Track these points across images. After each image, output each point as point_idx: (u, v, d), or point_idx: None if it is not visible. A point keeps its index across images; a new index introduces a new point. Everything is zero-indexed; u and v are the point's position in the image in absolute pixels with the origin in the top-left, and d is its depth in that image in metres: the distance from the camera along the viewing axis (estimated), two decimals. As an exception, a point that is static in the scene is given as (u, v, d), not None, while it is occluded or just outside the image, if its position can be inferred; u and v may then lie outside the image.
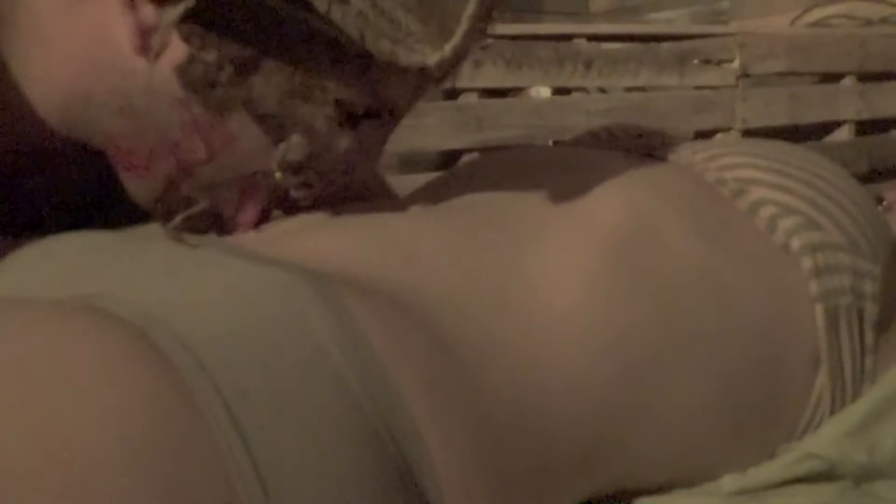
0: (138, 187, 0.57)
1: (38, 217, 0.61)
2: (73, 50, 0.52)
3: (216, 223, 0.58)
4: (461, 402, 0.46)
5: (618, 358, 0.51)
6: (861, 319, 0.57)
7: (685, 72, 1.46)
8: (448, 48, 0.51)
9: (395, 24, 0.50)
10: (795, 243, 0.57)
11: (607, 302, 0.52)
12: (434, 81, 0.55)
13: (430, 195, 0.62)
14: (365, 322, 0.44)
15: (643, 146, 0.65)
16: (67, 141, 0.56)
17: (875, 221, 0.60)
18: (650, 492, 0.55)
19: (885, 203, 0.88)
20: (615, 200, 0.56)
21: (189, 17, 0.50)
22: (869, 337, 0.57)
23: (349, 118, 0.54)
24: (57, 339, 0.39)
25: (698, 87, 1.45)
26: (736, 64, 1.45)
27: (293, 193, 0.56)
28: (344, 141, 0.55)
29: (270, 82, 0.52)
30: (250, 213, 0.57)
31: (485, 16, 0.51)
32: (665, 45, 1.47)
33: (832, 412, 0.57)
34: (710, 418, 0.54)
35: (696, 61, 1.46)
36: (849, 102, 1.59)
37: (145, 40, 0.51)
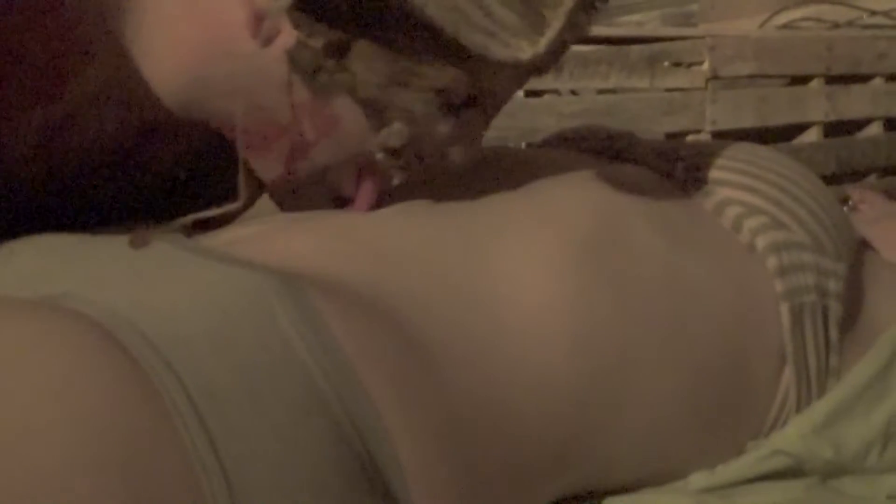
0: (261, 166, 0.59)
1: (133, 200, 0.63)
2: (192, 33, 0.54)
3: (336, 203, 0.59)
4: (430, 401, 0.46)
5: (586, 357, 0.52)
6: (826, 317, 0.57)
7: (655, 74, 1.46)
8: (542, 44, 0.51)
9: (490, 17, 0.50)
10: (760, 242, 0.57)
11: (575, 301, 0.52)
12: (535, 72, 0.56)
13: (400, 196, 0.62)
14: (333, 321, 0.44)
15: (612, 148, 0.66)
16: (182, 122, 0.58)
17: (840, 221, 0.61)
18: (620, 490, 0.55)
19: (850, 203, 0.89)
20: (584, 201, 0.56)
21: (298, 4, 0.51)
22: (833, 334, 0.58)
23: (449, 105, 0.55)
24: (22, 339, 0.39)
25: (668, 90, 1.45)
26: (705, 66, 1.46)
27: (393, 175, 0.58)
28: (444, 127, 0.56)
29: (372, 69, 0.53)
30: (367, 192, 0.59)
31: (583, 11, 0.52)
32: (635, 48, 1.47)
33: (798, 409, 0.57)
34: (679, 416, 0.55)
35: (666, 64, 1.47)
36: (816, 105, 1.60)
37: (259, 26, 0.52)
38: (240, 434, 0.39)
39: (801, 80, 1.60)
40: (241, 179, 0.57)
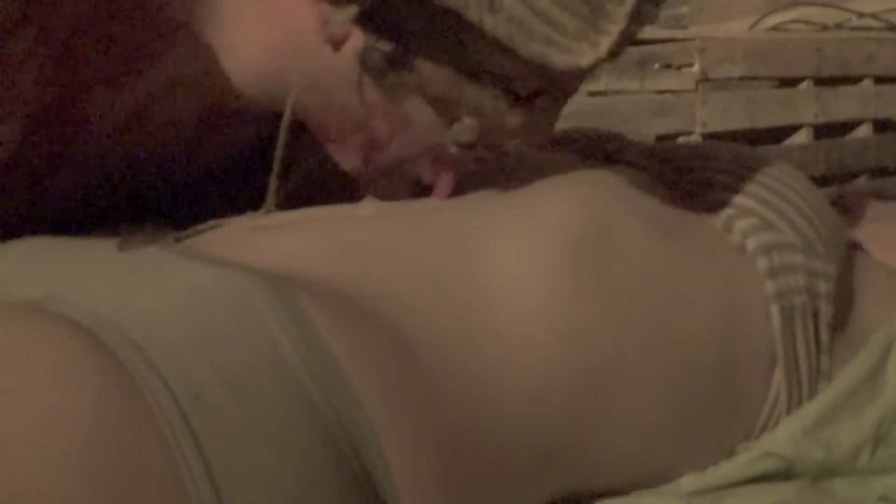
0: (340, 158, 0.60)
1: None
2: (268, 30, 0.56)
3: (416, 191, 0.60)
4: (418, 404, 0.46)
5: (576, 359, 0.51)
6: (816, 319, 0.57)
7: (646, 76, 1.47)
8: (603, 48, 0.51)
9: (550, 24, 0.51)
10: (751, 244, 0.57)
11: (565, 303, 0.52)
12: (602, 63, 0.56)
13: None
14: (321, 324, 0.44)
15: (603, 150, 0.65)
16: (254, 112, 0.60)
17: (830, 223, 0.61)
18: (610, 493, 0.55)
19: (841, 204, 0.89)
20: (574, 203, 0.56)
21: (363, 13, 0.52)
22: (824, 336, 0.57)
23: (518, 97, 0.56)
24: (4, 341, 0.39)
25: (659, 92, 1.45)
26: (696, 68, 1.46)
27: (468, 164, 0.59)
28: (514, 119, 0.56)
29: (440, 69, 0.54)
30: (445, 182, 0.59)
31: (640, 13, 0.52)
32: (626, 50, 1.48)
33: (789, 411, 0.57)
34: (669, 418, 0.54)
35: (656, 66, 1.47)
36: (806, 106, 1.60)
37: (326, 30, 0.54)
38: (226, 437, 0.39)
39: (790, 82, 1.61)
40: (272, 188, 0.58)
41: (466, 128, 0.56)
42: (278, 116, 0.57)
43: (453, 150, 0.57)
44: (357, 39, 0.54)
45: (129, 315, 0.42)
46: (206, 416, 0.39)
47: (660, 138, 1.42)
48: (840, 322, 0.59)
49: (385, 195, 0.61)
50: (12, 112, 0.54)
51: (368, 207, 0.60)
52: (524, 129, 0.57)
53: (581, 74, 0.56)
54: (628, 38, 0.52)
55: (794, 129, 1.60)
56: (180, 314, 0.43)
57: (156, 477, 0.37)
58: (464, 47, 0.53)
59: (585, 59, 0.51)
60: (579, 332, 0.52)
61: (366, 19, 0.53)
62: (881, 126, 1.74)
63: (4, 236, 0.55)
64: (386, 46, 0.53)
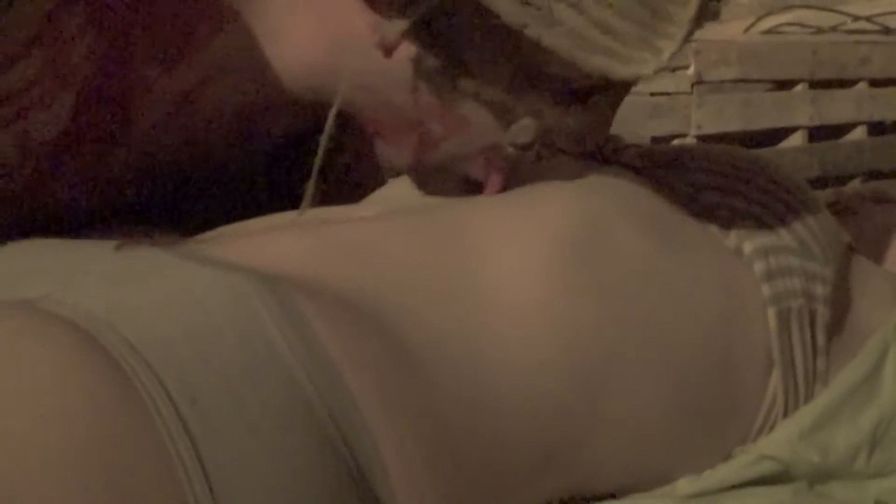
0: (389, 153, 0.60)
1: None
2: (321, 25, 0.55)
3: (465, 188, 0.60)
4: (415, 405, 0.46)
5: (574, 359, 0.51)
6: (813, 322, 0.57)
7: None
8: (667, 54, 0.51)
9: (609, 33, 0.50)
10: (748, 247, 0.57)
11: (562, 304, 0.52)
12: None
13: (385, 198, 0.62)
14: (318, 324, 0.44)
15: (599, 151, 0.65)
16: (299, 106, 0.59)
17: (826, 226, 0.61)
18: (607, 495, 0.55)
19: (837, 206, 0.89)
20: (569, 203, 0.56)
21: (416, 25, 0.52)
22: (821, 339, 0.57)
23: (576, 96, 0.55)
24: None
25: (654, 94, 1.46)
26: (691, 71, 1.46)
27: (523, 163, 0.59)
28: (572, 119, 0.56)
29: (497, 74, 0.53)
30: (497, 180, 0.59)
31: (703, 13, 0.51)
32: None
33: (785, 414, 0.57)
34: (665, 420, 0.54)
35: (651, 68, 1.48)
36: (801, 109, 1.61)
37: (380, 37, 0.53)
38: (223, 438, 0.39)
39: (785, 84, 1.61)
40: (311, 189, 0.57)
41: (524, 129, 0.55)
42: (318, 111, 0.57)
43: (510, 150, 0.57)
44: (410, 47, 0.53)
45: (125, 315, 0.42)
46: (202, 418, 0.39)
47: (655, 140, 1.42)
48: (837, 325, 0.59)
49: (434, 191, 0.60)
50: (64, 88, 0.54)
51: (368, 209, 0.60)
52: (581, 127, 0.57)
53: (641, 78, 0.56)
54: (697, 28, 0.52)
55: (789, 131, 1.61)
56: (177, 314, 0.43)
57: (152, 478, 0.37)
58: (521, 54, 0.52)
59: (648, 66, 0.51)
60: (577, 333, 0.52)
61: (418, 30, 0.52)
62: (876, 129, 1.74)
63: (52, 228, 0.55)
64: (438, 57, 0.53)
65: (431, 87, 0.54)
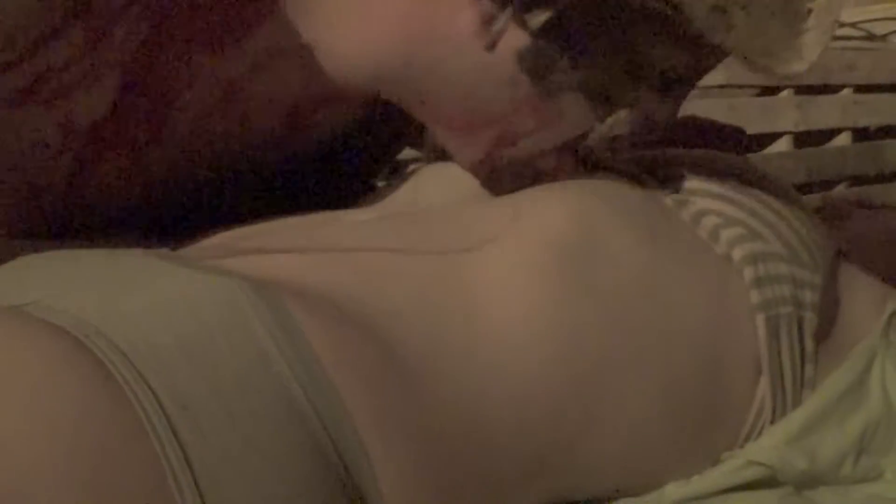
0: (458, 148, 0.59)
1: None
2: (409, 13, 0.53)
3: (535, 177, 0.59)
4: (406, 412, 0.46)
5: (564, 365, 0.51)
6: (801, 328, 0.57)
7: (628, 83, 1.48)
8: (814, 55, 0.53)
9: (766, 34, 0.51)
10: (737, 254, 0.57)
11: (553, 310, 0.52)
12: None
13: (378, 203, 0.62)
14: (310, 331, 0.44)
15: (590, 157, 0.65)
16: (350, 99, 0.58)
17: (815, 231, 0.61)
18: (596, 500, 0.55)
19: (824, 212, 0.89)
20: (562, 210, 0.56)
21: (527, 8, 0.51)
22: (809, 345, 0.58)
23: (667, 86, 0.56)
24: None
25: (641, 99, 1.46)
26: (677, 76, 1.47)
27: (596, 154, 0.59)
28: (663, 109, 0.56)
29: (605, 65, 0.53)
30: (567, 168, 0.59)
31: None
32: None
33: (773, 420, 0.57)
34: (655, 425, 0.55)
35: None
36: (787, 114, 1.61)
37: (486, 28, 0.52)
38: (214, 447, 0.39)
39: (771, 90, 1.62)
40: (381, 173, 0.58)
41: (620, 121, 0.56)
42: (364, 109, 0.56)
43: (593, 142, 0.57)
44: (517, 36, 0.52)
45: (115, 321, 0.41)
46: (193, 426, 0.39)
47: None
48: (825, 331, 0.59)
49: (496, 189, 0.60)
50: (106, 68, 0.53)
51: (361, 213, 0.60)
52: (665, 119, 0.58)
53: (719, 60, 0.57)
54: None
55: (774, 136, 1.61)
56: (168, 320, 0.42)
57: (142, 486, 0.37)
58: (633, 46, 0.53)
59: (798, 66, 0.53)
60: (569, 339, 0.52)
61: (547, 25, 0.52)
62: (860, 134, 1.75)
63: (95, 221, 0.55)
64: (553, 45, 0.52)
65: (535, 79, 0.53)
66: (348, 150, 0.62)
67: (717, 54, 0.56)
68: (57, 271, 0.49)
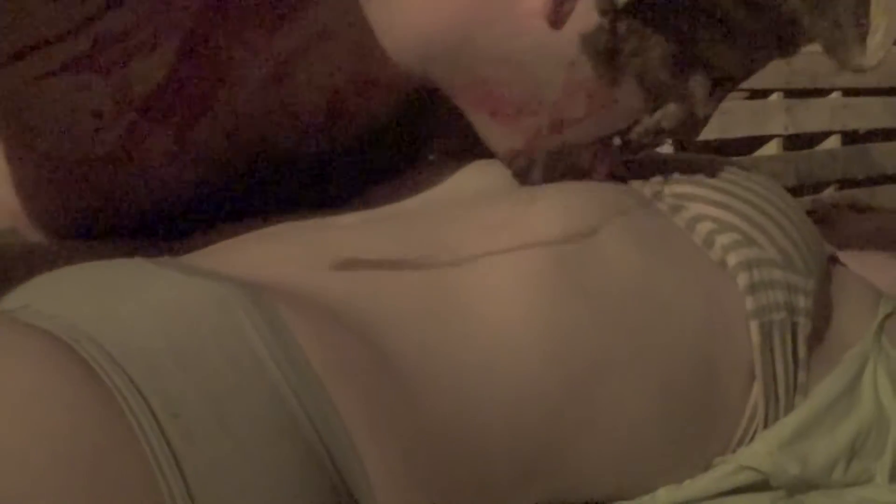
0: (499, 136, 0.58)
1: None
2: None
3: (573, 173, 0.59)
4: (399, 416, 0.46)
5: (558, 370, 0.51)
6: (794, 334, 0.57)
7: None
8: (877, 59, 0.54)
9: (837, 27, 0.53)
10: (732, 259, 0.57)
11: (547, 315, 0.52)
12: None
13: (371, 206, 0.62)
14: (302, 336, 0.44)
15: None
16: (399, 82, 0.58)
17: (809, 237, 0.61)
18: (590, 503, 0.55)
19: (816, 215, 0.89)
20: (555, 213, 0.56)
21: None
22: (802, 351, 0.58)
23: (715, 87, 0.56)
24: None
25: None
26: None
27: (633, 149, 0.58)
28: (709, 108, 0.56)
29: (667, 54, 0.53)
30: (605, 165, 0.59)
31: None
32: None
33: (766, 425, 0.57)
34: (648, 430, 0.55)
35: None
36: (776, 118, 1.62)
37: (556, 7, 0.51)
38: (206, 454, 0.39)
39: (761, 93, 1.62)
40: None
41: (669, 114, 0.55)
42: (409, 97, 0.56)
43: (636, 136, 0.57)
44: (584, 18, 0.52)
45: (107, 327, 0.41)
46: (185, 433, 0.38)
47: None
48: (818, 337, 0.59)
49: (525, 180, 0.60)
50: (165, 37, 0.53)
51: (352, 217, 0.60)
52: (707, 116, 0.58)
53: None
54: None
55: (764, 140, 1.62)
56: (160, 326, 0.42)
57: (134, 494, 0.37)
58: (694, 38, 0.53)
59: (875, 56, 0.54)
60: (562, 343, 0.52)
61: (628, 9, 0.52)
62: (849, 137, 1.76)
63: (133, 209, 0.55)
64: (622, 27, 0.52)
65: (597, 63, 0.53)
66: (380, 147, 0.62)
67: (765, 56, 0.57)
68: (48, 276, 0.48)
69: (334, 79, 0.59)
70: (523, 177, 0.60)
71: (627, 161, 0.63)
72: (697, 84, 0.55)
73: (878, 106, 1.78)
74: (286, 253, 0.52)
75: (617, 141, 0.58)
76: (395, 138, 0.64)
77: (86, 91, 0.55)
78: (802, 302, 0.57)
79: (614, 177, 0.62)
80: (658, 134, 0.57)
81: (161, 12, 0.51)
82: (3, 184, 0.59)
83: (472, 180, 0.63)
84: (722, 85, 0.57)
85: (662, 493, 0.56)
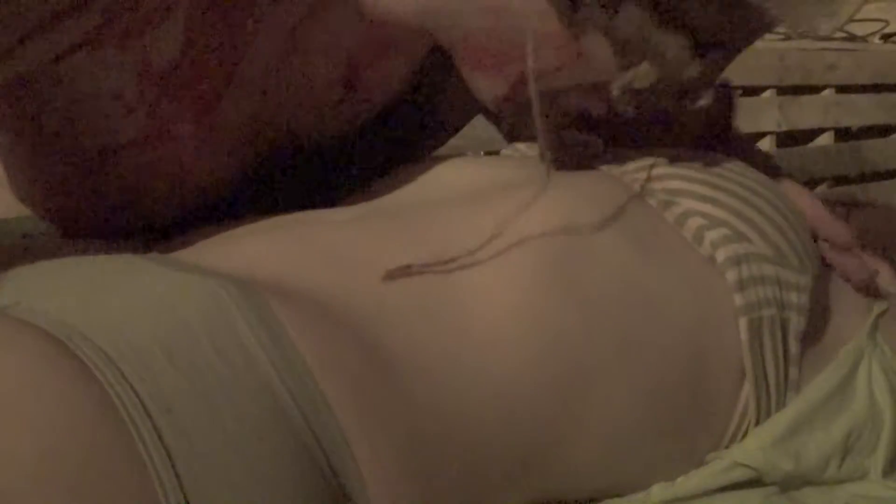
0: (484, 86, 0.58)
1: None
2: None
3: (567, 116, 0.59)
4: (390, 411, 0.46)
5: (550, 366, 0.51)
6: (784, 331, 0.57)
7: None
8: (841, 21, 0.51)
9: None
10: (721, 255, 0.57)
11: (538, 310, 0.52)
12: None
13: (361, 202, 0.62)
14: (294, 331, 0.44)
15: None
16: (410, 41, 0.58)
17: (802, 232, 0.61)
18: (581, 501, 0.55)
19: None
20: (544, 210, 0.56)
21: None
22: (793, 347, 0.57)
23: (698, 47, 0.53)
24: None
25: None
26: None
27: (619, 110, 0.57)
28: (691, 71, 0.54)
29: (633, 10, 0.51)
30: (601, 103, 0.57)
31: None
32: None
33: (757, 422, 0.57)
34: (640, 427, 0.55)
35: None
36: (769, 114, 1.62)
37: None
38: (198, 448, 0.39)
39: (753, 90, 1.62)
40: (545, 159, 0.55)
41: (643, 74, 0.53)
42: (419, 68, 0.56)
43: (616, 93, 0.55)
44: None
45: (99, 323, 0.41)
46: (177, 428, 0.38)
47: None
48: (812, 333, 0.59)
49: (516, 132, 0.59)
50: (175, 2, 0.52)
51: (343, 213, 0.60)
52: (695, 82, 0.55)
53: (762, 29, 0.55)
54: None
55: (757, 136, 1.62)
56: (151, 322, 0.42)
57: (127, 490, 0.37)
58: None
59: (843, 18, 0.51)
60: (554, 339, 0.52)
61: None
62: (842, 134, 1.76)
63: (157, 207, 0.54)
64: None
65: (561, 14, 0.52)
66: (397, 124, 0.62)
67: (764, 23, 0.54)
68: (38, 274, 0.48)
69: (346, 45, 0.59)
70: (517, 124, 0.60)
71: (616, 156, 0.63)
72: (669, 43, 0.53)
73: (871, 103, 1.79)
74: (278, 248, 0.52)
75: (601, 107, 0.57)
76: (412, 114, 0.64)
77: (104, 69, 0.53)
78: (795, 298, 0.57)
79: (601, 172, 0.62)
80: (637, 94, 0.55)
81: None
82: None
83: (465, 177, 0.63)
84: (713, 50, 0.55)
85: (656, 489, 0.56)
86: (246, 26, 0.55)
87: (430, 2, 0.54)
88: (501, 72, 0.56)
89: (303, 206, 0.60)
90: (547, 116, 0.57)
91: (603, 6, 0.52)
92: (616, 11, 0.52)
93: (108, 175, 0.58)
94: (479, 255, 0.52)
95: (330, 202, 0.62)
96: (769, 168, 0.66)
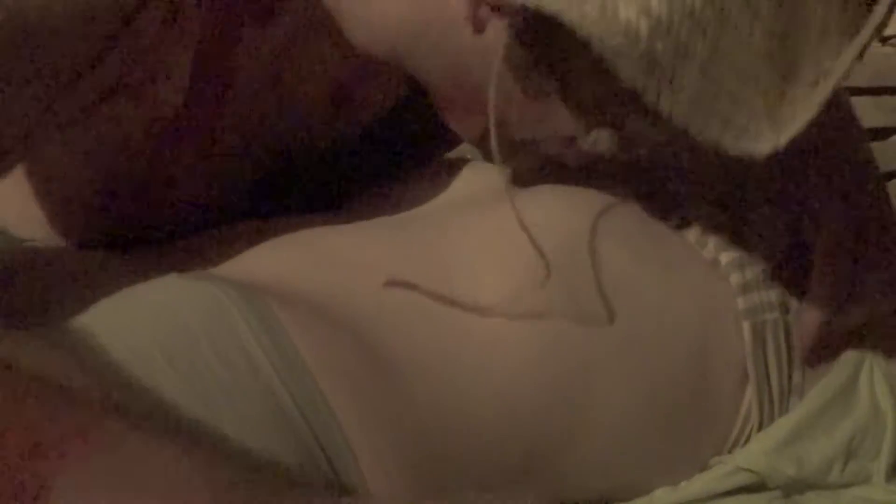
0: (458, 129, 0.59)
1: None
2: None
3: (543, 159, 0.58)
4: (392, 413, 0.46)
5: (551, 367, 0.51)
6: (788, 334, 0.57)
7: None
8: (783, 139, 0.44)
9: (734, 102, 0.44)
10: (724, 258, 0.57)
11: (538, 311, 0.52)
12: None
13: (362, 208, 0.62)
14: (295, 333, 0.44)
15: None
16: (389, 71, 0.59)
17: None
18: (585, 505, 0.55)
19: None
20: (548, 214, 0.56)
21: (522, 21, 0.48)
22: (796, 352, 0.57)
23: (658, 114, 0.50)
24: None
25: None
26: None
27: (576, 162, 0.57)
28: (654, 133, 0.52)
29: (585, 83, 0.50)
30: (574, 153, 0.56)
31: (859, 57, 0.44)
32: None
33: (760, 426, 0.57)
34: (643, 430, 0.54)
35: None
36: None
37: (474, 11, 0.50)
38: None
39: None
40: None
41: (604, 139, 0.52)
42: (406, 87, 0.56)
43: (586, 148, 0.54)
44: (503, 31, 0.50)
45: (102, 328, 0.41)
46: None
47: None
48: None
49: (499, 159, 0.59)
50: (181, 48, 0.52)
51: (344, 217, 0.60)
52: (657, 140, 0.54)
53: None
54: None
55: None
56: (153, 327, 0.42)
57: None
58: (616, 80, 0.46)
59: (763, 145, 0.44)
60: (553, 341, 0.52)
61: (520, 24, 0.49)
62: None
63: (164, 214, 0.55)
64: (533, 54, 0.50)
65: (517, 76, 0.51)
66: (392, 135, 0.62)
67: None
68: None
69: (329, 70, 0.59)
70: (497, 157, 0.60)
71: (618, 161, 0.63)
72: (626, 114, 0.51)
73: (870, 105, 1.78)
74: (277, 252, 0.52)
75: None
76: (404, 126, 0.64)
77: (116, 119, 0.54)
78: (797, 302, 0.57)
79: (603, 175, 0.62)
80: (600, 155, 0.55)
81: (173, 21, 0.50)
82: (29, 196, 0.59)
83: (465, 184, 0.63)
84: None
85: (659, 494, 0.56)
86: (237, 61, 0.56)
87: (397, 47, 0.54)
88: (471, 118, 0.57)
89: (302, 212, 0.60)
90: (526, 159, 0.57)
91: (554, 75, 0.51)
92: (566, 83, 0.51)
93: (110, 208, 0.60)
94: (482, 302, 0.51)
95: (330, 207, 0.62)
96: None
